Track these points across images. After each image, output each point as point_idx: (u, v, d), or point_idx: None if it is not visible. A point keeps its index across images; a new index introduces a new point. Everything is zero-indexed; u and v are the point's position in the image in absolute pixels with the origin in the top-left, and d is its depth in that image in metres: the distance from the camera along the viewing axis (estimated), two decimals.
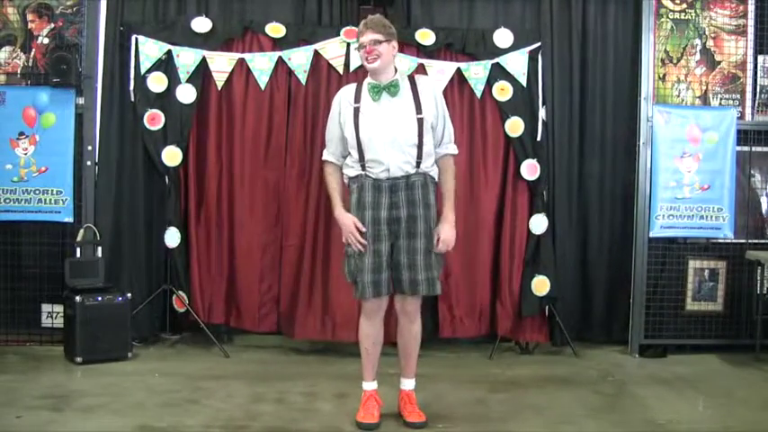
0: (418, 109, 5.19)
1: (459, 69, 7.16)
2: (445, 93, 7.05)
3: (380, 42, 5.13)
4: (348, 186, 5.30)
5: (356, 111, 5.17)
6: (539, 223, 7.14)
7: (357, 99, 5.20)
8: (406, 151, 5.16)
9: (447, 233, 5.25)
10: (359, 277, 5.17)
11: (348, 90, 5.30)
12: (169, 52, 7.03)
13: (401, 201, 5.16)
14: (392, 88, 5.18)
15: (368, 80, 5.25)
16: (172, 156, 7.03)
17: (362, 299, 5.25)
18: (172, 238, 7.04)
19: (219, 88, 7.10)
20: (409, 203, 5.17)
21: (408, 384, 5.47)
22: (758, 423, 5.56)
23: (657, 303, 7.35)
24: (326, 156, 5.37)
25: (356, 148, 5.16)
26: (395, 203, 5.16)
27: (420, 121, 5.17)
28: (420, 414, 5.34)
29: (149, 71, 7.02)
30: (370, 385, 5.40)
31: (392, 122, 5.15)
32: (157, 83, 7.02)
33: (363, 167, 5.17)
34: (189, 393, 5.86)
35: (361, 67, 6.96)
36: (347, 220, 5.16)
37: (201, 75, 7.08)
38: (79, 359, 6.49)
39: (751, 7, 7.51)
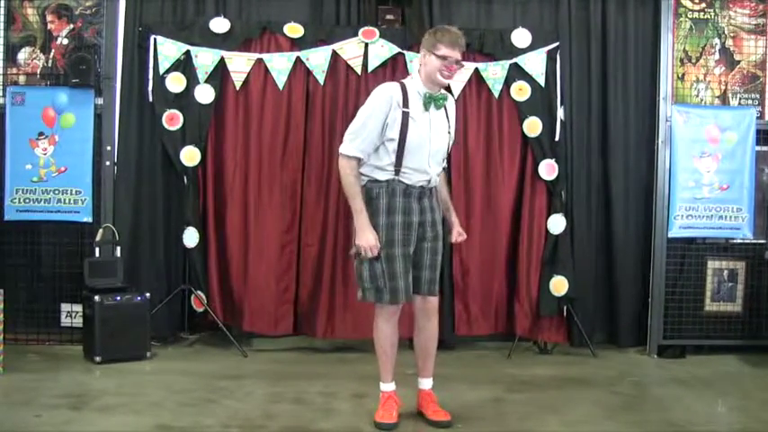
0: (449, 125, 5.27)
1: (477, 70, 7.16)
2: (463, 93, 7.14)
3: (459, 62, 5.17)
4: (368, 190, 5.14)
5: (405, 115, 5.05)
6: (557, 223, 7.13)
7: (405, 103, 5.07)
8: (440, 163, 5.27)
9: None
10: (389, 282, 5.10)
11: (396, 90, 5.08)
12: (188, 52, 7.06)
13: (426, 206, 5.20)
14: (441, 101, 5.18)
15: (419, 87, 5.15)
16: (190, 156, 7.05)
17: (393, 303, 5.18)
18: (190, 237, 7.06)
19: (238, 88, 7.13)
20: (431, 209, 5.23)
21: (428, 384, 5.46)
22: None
23: (676, 304, 7.32)
24: (353, 151, 5.07)
25: (395, 153, 5.06)
26: (423, 209, 5.18)
27: (449, 137, 5.27)
28: (445, 413, 5.32)
29: (168, 71, 7.04)
30: (389, 386, 5.37)
31: (436, 134, 5.16)
32: (176, 83, 7.04)
33: (397, 173, 5.09)
34: (207, 393, 5.86)
35: (382, 66, 7.09)
36: (371, 236, 5.05)
37: (220, 75, 7.11)
38: (98, 358, 6.51)
39: None
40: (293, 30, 7.13)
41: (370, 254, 5.04)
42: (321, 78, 7.11)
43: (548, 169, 7.14)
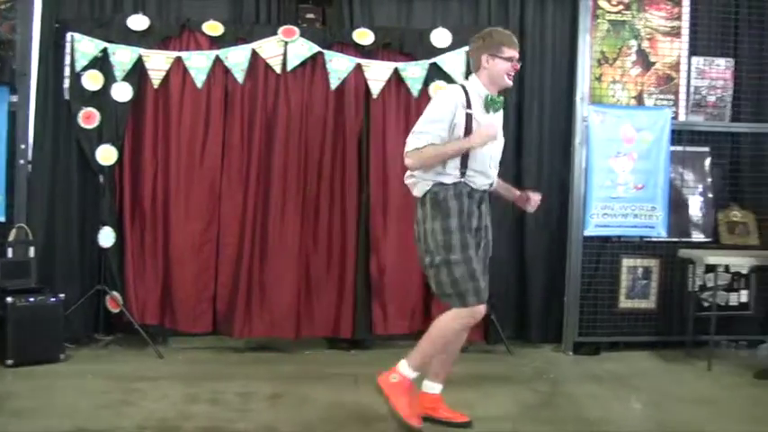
0: (501, 129, 5.32)
1: (396, 69, 7.17)
2: (382, 93, 7.13)
3: (519, 61, 5.26)
4: (435, 193, 5.10)
5: (469, 116, 5.06)
6: None
7: (468, 104, 5.09)
8: (497, 167, 5.32)
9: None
10: (471, 284, 5.07)
11: (459, 92, 5.10)
12: (105, 50, 6.96)
13: (484, 212, 5.25)
14: (500, 103, 5.22)
15: (480, 90, 5.17)
16: (107, 154, 6.97)
17: (480, 303, 5.12)
18: (106, 237, 6.99)
19: (156, 87, 7.06)
20: (486, 214, 5.29)
21: (440, 388, 5.46)
22: (690, 419, 5.67)
23: (591, 301, 7.43)
24: (423, 142, 5.01)
25: (461, 155, 5.07)
26: (481, 214, 5.23)
27: (503, 140, 5.36)
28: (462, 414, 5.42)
29: (85, 69, 6.94)
30: (413, 374, 5.20)
31: (497, 138, 5.21)
32: (93, 81, 6.95)
33: (463, 175, 5.09)
34: (123, 395, 5.82)
35: (301, 66, 7.07)
36: (483, 128, 5.02)
37: (138, 73, 7.03)
38: (10, 361, 6.40)
39: (685, 9, 7.62)
40: (213, 28, 7.08)
41: (492, 133, 5.03)
42: (240, 77, 7.08)
43: None
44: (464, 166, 5.07)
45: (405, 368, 5.17)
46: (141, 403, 5.66)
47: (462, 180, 5.08)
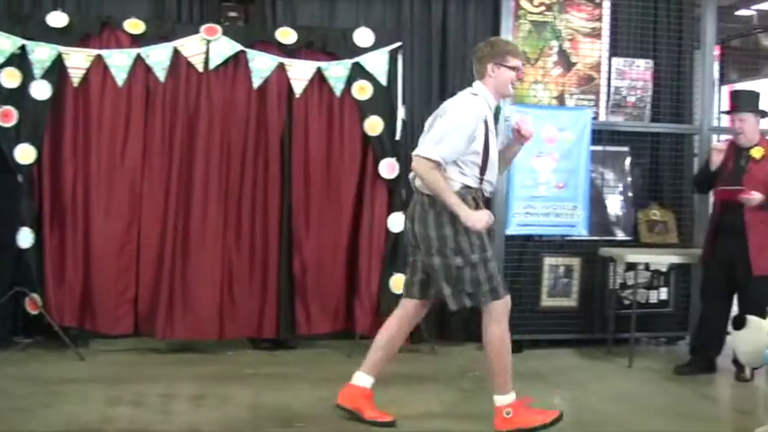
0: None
1: (319, 69, 7.17)
2: (305, 92, 7.12)
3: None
4: (462, 197, 5.10)
5: (487, 128, 5.14)
6: (397, 221, 7.17)
7: (487, 116, 5.20)
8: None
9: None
10: (494, 281, 5.18)
11: (483, 105, 5.17)
12: (23, 47, 6.85)
13: None
14: (499, 112, 5.34)
15: (490, 100, 5.24)
16: (25, 153, 6.86)
17: (506, 293, 5.30)
18: (25, 238, 6.87)
19: (76, 85, 6.96)
20: None
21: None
22: (610, 414, 5.78)
23: (514, 300, 7.38)
24: (435, 155, 5.01)
25: (479, 166, 5.14)
26: None
27: None
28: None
29: (2, 66, 6.81)
30: (512, 396, 5.28)
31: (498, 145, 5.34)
32: (11, 78, 6.83)
33: (481, 182, 5.19)
34: (43, 398, 5.73)
35: (224, 64, 7.05)
36: (484, 215, 5.11)
37: (57, 71, 6.92)
38: None
39: (606, 11, 7.73)
40: (134, 26, 7.00)
41: (491, 221, 5.15)
42: (162, 76, 7.02)
43: (388, 168, 7.20)
44: (482, 174, 5.18)
45: (502, 399, 5.26)
46: (62, 406, 5.57)
47: (480, 186, 5.21)
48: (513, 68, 5.19)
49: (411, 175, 5.33)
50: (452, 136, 5.03)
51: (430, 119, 5.35)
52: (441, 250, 5.14)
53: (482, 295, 5.18)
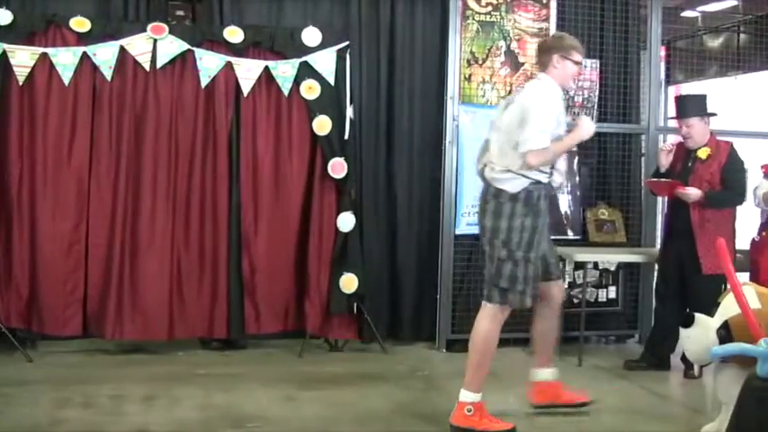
0: None
1: (267, 68, 7.17)
2: (252, 91, 7.11)
3: None
4: (529, 192, 5.14)
5: (559, 115, 5.25)
6: (346, 221, 7.21)
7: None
8: None
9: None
10: (524, 285, 5.18)
11: (556, 88, 5.31)
12: None
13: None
14: None
15: (558, 90, 5.34)
16: None
17: (522, 305, 5.29)
18: None
19: (21, 83, 6.87)
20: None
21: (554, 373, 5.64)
22: (560, 413, 5.74)
23: (464, 299, 7.51)
24: (546, 142, 5.05)
25: None
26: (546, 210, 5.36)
27: None
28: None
29: None
30: (479, 396, 5.29)
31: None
32: None
33: (551, 174, 5.27)
34: None
35: (171, 63, 7.03)
36: (586, 121, 5.32)
37: (2, 69, 6.83)
38: None
39: (553, 11, 7.79)
40: (79, 24, 6.94)
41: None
42: (108, 74, 6.96)
43: (337, 167, 7.20)
44: (552, 165, 5.26)
45: (468, 395, 5.25)
46: (9, 409, 5.50)
47: (548, 181, 5.28)
48: (576, 63, 5.35)
49: (479, 167, 5.38)
50: (548, 123, 5.14)
51: (498, 112, 5.44)
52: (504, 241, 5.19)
53: (511, 293, 5.23)
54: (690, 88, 9.95)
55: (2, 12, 6.84)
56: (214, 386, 6.15)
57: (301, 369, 6.77)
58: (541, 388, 5.65)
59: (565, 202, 7.89)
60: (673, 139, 8.14)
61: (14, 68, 6.86)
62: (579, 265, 7.61)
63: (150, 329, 7.05)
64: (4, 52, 6.82)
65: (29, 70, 6.88)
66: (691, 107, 6.79)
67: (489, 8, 7.65)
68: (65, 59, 6.93)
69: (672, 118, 7.78)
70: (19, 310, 6.96)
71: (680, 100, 7.17)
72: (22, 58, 6.87)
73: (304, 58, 7.21)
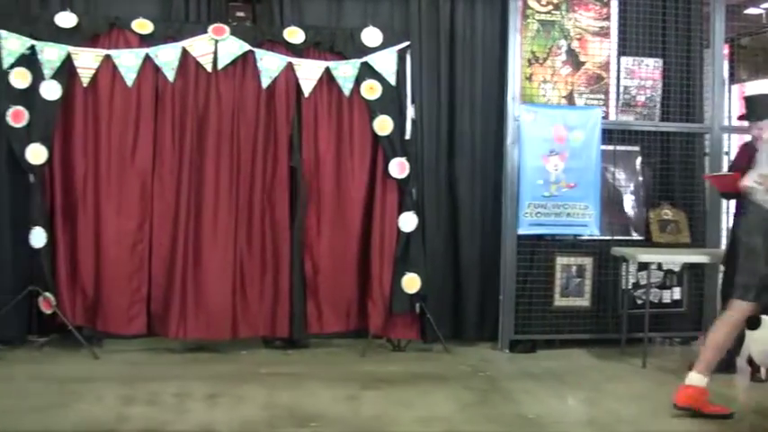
0: None
1: (327, 68, 7.18)
2: (314, 92, 7.15)
3: None
4: None
5: None
6: (408, 221, 7.19)
7: None
8: None
9: None
10: (759, 281, 5.32)
11: None
12: (32, 47, 6.86)
13: None
14: None
15: None
16: (36, 153, 6.86)
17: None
18: (37, 238, 6.85)
19: (85, 85, 6.97)
20: None
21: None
22: (623, 414, 5.69)
23: (526, 300, 7.45)
24: None
25: None
26: None
27: None
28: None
29: (12, 66, 6.83)
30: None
31: None
32: (21, 79, 6.84)
33: None
34: (58, 397, 5.70)
35: (232, 64, 7.06)
36: None
37: (67, 71, 6.92)
38: None
39: (614, 10, 7.73)
40: (142, 26, 7.03)
41: None
42: (171, 76, 7.03)
43: (398, 167, 7.19)
44: None
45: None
46: (76, 406, 5.54)
47: None
48: None
49: (750, 186, 5.53)
50: None
51: None
52: None
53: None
54: (754, 86, 9.77)
55: (66, 15, 6.96)
56: (277, 385, 6.14)
57: (363, 369, 6.74)
58: (690, 392, 5.55)
59: (628, 203, 7.81)
60: (736, 138, 8.05)
61: (78, 70, 6.96)
62: (643, 266, 7.51)
63: (213, 328, 7.08)
64: (69, 55, 6.91)
65: (93, 72, 6.97)
66: (762, 109, 6.60)
67: (550, 7, 7.60)
68: (128, 61, 7.00)
69: (740, 118, 7.64)
70: (84, 308, 7.05)
71: (750, 101, 6.99)
72: (86, 61, 6.96)
73: (364, 59, 7.21)
